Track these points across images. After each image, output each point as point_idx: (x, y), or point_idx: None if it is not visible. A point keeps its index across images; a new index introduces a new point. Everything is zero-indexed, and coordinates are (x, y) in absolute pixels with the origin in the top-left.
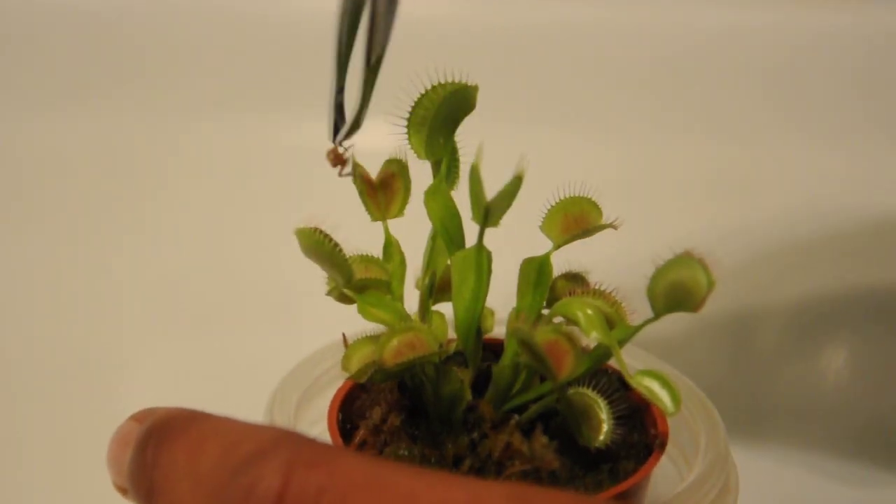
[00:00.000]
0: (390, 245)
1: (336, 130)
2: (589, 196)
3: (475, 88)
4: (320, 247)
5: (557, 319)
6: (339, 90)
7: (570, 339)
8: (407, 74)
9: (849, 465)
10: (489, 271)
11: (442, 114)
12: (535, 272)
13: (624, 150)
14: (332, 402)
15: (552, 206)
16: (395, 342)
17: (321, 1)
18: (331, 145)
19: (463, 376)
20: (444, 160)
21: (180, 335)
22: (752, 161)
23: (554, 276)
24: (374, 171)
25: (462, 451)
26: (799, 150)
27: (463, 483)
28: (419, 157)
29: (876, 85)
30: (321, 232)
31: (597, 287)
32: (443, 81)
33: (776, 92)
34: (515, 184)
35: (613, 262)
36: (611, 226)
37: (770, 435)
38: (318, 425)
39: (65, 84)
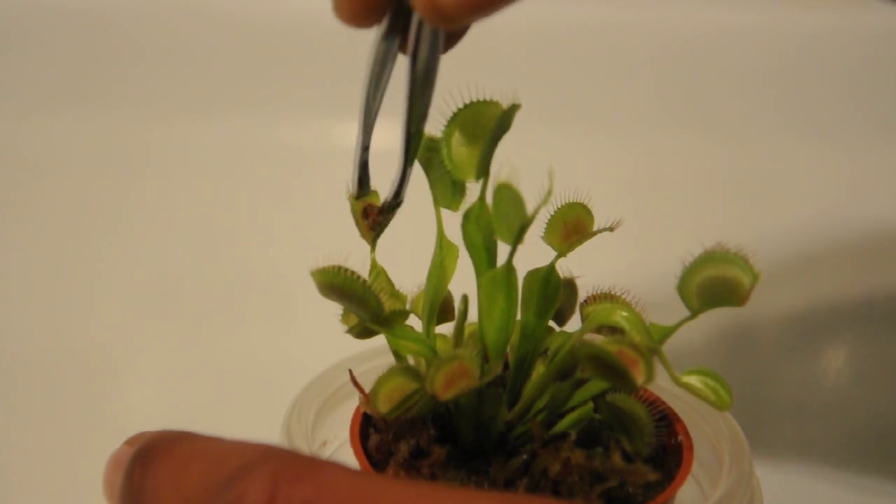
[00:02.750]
0: (374, 270)
1: (361, 186)
2: (581, 201)
3: (517, 108)
4: (350, 286)
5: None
6: (365, 149)
7: (635, 347)
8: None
9: (849, 469)
10: (517, 291)
11: (495, 135)
12: (541, 283)
13: (621, 150)
14: (352, 435)
15: (552, 216)
16: (443, 373)
17: (320, 1)
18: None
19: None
20: (484, 181)
21: (178, 334)
22: (751, 162)
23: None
24: (373, 171)
25: (512, 474)
26: (801, 150)
27: (452, 492)
28: (460, 176)
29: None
30: (346, 270)
31: (609, 291)
32: (481, 98)
33: (778, 92)
34: (545, 200)
35: (610, 266)
36: (608, 229)
37: (769, 436)
38: (331, 445)
39: (61, 84)
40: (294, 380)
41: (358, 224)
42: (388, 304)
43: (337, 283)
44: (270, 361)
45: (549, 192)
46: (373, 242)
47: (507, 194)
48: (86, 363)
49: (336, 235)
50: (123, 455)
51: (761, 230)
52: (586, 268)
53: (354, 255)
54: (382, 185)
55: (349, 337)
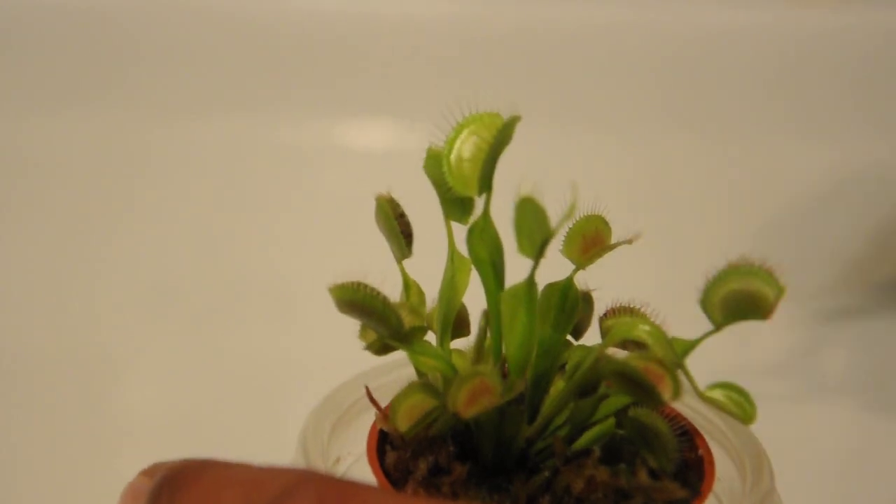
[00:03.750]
0: (409, 287)
1: None
2: (599, 213)
3: (517, 119)
4: (370, 302)
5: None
6: None
7: (660, 362)
8: (413, 74)
9: (850, 469)
10: (538, 306)
11: (495, 149)
12: (560, 296)
13: (625, 153)
14: (369, 453)
15: (570, 228)
16: (465, 390)
17: (319, 2)
18: None
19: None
20: (487, 195)
21: (178, 335)
22: (756, 162)
23: None
24: (368, 172)
25: (534, 491)
26: (805, 150)
27: None
28: (462, 191)
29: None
30: (365, 286)
31: (628, 305)
32: (482, 109)
33: (782, 91)
34: (569, 213)
35: (620, 276)
36: (627, 242)
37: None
38: (344, 461)
39: (61, 84)
40: (293, 380)
41: (388, 224)
42: (408, 320)
43: (357, 300)
44: (270, 362)
45: (573, 206)
46: (407, 248)
47: (530, 208)
48: (86, 363)
49: (335, 234)
50: (142, 485)
51: (764, 230)
52: (595, 278)
53: (356, 256)
54: (384, 187)
55: (349, 337)
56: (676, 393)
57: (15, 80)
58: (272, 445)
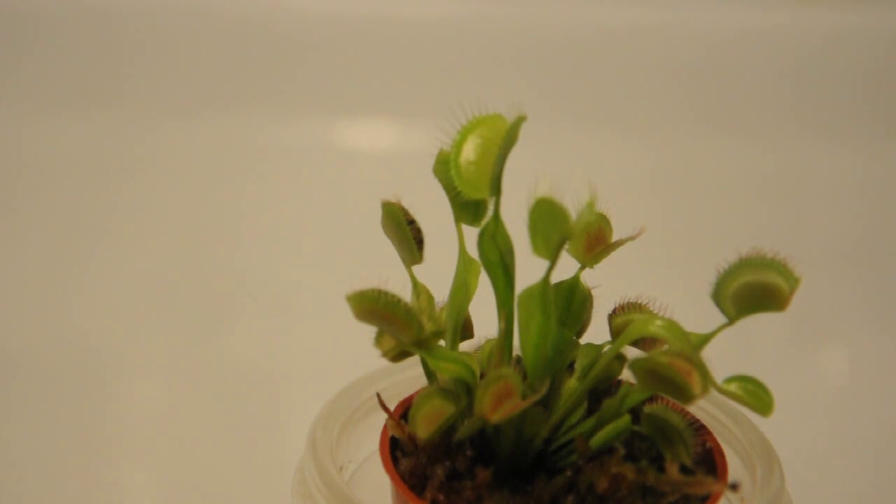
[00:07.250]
0: (418, 291)
1: None
2: (601, 211)
3: (523, 120)
4: (392, 310)
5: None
6: None
7: (686, 357)
8: (414, 75)
9: (852, 471)
10: (554, 307)
11: (503, 152)
12: (566, 296)
13: (642, 151)
14: (384, 461)
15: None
16: (490, 393)
17: (311, 3)
18: None
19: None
20: (497, 198)
21: (178, 334)
22: (773, 161)
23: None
24: (370, 172)
25: (557, 491)
26: (822, 150)
27: None
28: (471, 194)
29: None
30: (386, 293)
31: (636, 301)
32: (486, 112)
33: (795, 90)
34: (588, 212)
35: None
36: (630, 239)
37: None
38: (347, 470)
39: (60, 86)
40: (290, 378)
41: (399, 230)
42: (427, 326)
43: (379, 308)
44: (268, 362)
45: (591, 204)
46: (418, 254)
47: (546, 208)
48: (85, 364)
49: (334, 235)
50: None
51: (769, 229)
52: (596, 276)
53: (355, 256)
54: (390, 188)
55: (345, 335)
56: (706, 387)
57: (9, 83)
58: (271, 446)
